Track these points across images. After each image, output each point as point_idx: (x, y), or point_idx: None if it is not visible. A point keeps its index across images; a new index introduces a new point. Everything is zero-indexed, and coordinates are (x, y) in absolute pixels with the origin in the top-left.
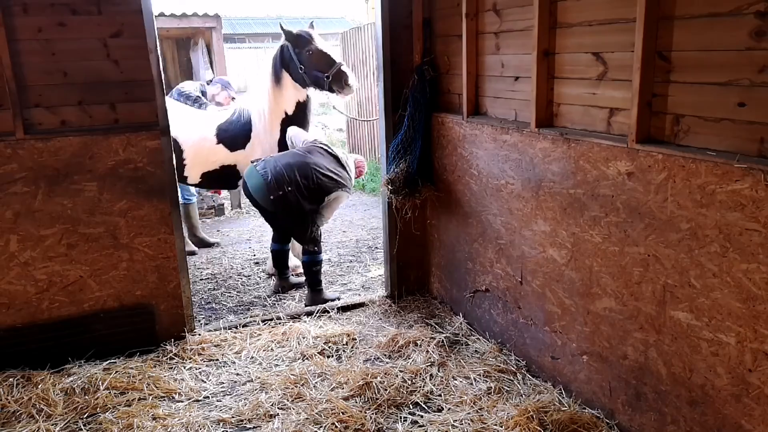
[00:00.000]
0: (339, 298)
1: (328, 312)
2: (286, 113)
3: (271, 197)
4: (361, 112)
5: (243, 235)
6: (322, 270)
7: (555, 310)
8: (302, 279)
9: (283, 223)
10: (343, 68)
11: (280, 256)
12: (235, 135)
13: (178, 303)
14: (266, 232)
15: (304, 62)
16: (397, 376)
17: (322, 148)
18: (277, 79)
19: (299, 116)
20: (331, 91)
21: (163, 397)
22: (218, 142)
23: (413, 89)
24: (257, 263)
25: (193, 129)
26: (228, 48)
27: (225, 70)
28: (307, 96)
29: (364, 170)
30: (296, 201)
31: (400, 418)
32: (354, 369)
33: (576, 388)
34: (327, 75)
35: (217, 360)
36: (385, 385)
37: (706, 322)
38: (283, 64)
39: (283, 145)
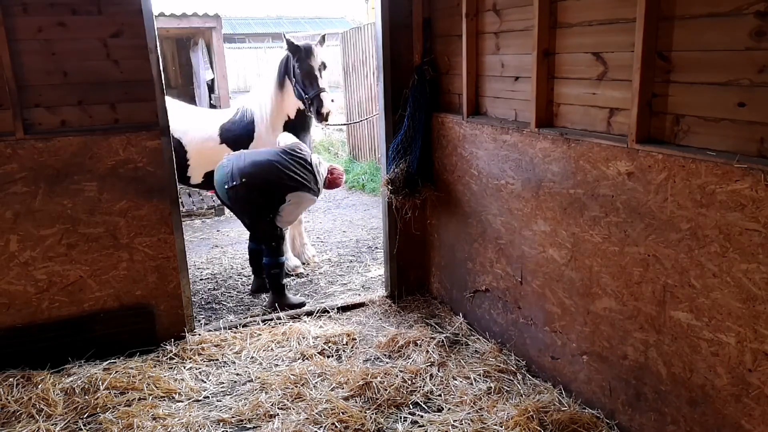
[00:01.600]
0: (305, 303)
1: (328, 312)
2: (288, 116)
3: (226, 186)
4: (361, 111)
5: (243, 235)
6: (323, 270)
7: (555, 310)
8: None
9: (239, 217)
10: (323, 95)
11: (253, 255)
12: (239, 135)
13: (178, 303)
14: None
15: (296, 76)
16: (397, 376)
17: (295, 151)
18: (280, 84)
19: (300, 121)
20: (311, 111)
21: (163, 397)
22: (222, 142)
23: (413, 89)
24: None
25: (196, 129)
26: (228, 48)
27: (225, 70)
28: None
29: (340, 181)
30: (248, 194)
31: (400, 418)
32: (354, 369)
33: (576, 388)
34: (308, 96)
35: (217, 360)
36: (385, 385)
37: (706, 322)
38: (286, 71)
39: None
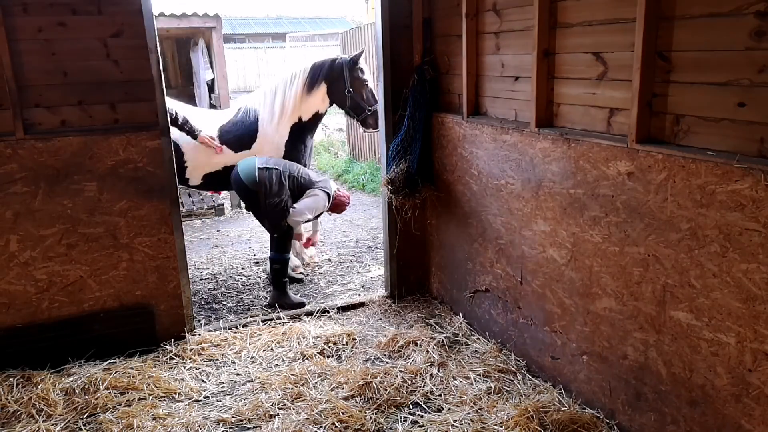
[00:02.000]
0: (305, 304)
1: (328, 312)
2: (300, 119)
3: (258, 165)
4: None
5: (243, 235)
6: (323, 270)
7: (555, 310)
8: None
9: (255, 202)
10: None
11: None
12: (240, 135)
13: (178, 303)
14: (266, 231)
15: (355, 88)
16: (397, 376)
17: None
18: (311, 86)
19: (310, 125)
20: (363, 122)
21: (163, 397)
22: (221, 144)
23: (413, 89)
24: (257, 263)
25: None
26: (228, 48)
27: (225, 70)
28: (326, 110)
29: (345, 203)
30: (279, 180)
31: (400, 418)
32: (354, 369)
33: (576, 388)
34: (370, 109)
35: (217, 360)
36: (385, 385)
37: (706, 322)
38: (328, 76)
39: (289, 146)
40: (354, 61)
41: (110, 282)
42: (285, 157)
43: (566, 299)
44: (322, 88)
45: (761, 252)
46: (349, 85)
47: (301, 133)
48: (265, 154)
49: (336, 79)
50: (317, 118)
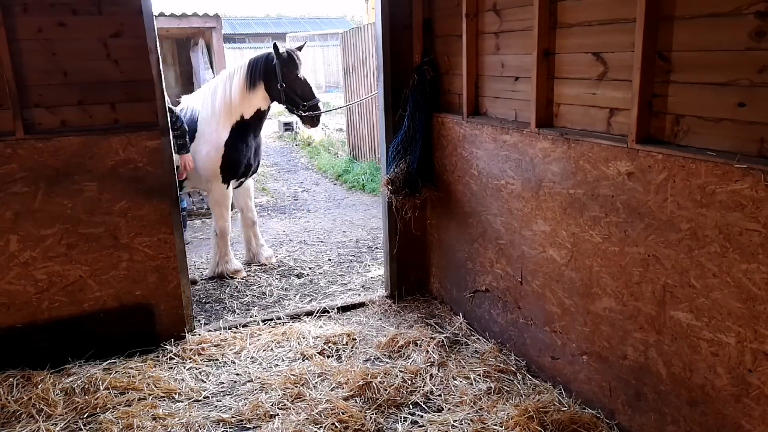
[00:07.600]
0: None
1: (328, 312)
2: (242, 117)
3: None
4: (361, 112)
5: (241, 235)
6: (323, 270)
7: (555, 310)
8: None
9: None
10: (319, 105)
11: None
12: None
13: (178, 303)
14: (266, 232)
15: (288, 83)
16: (397, 376)
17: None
18: (251, 84)
19: (254, 122)
20: (300, 116)
21: (163, 397)
22: None
23: (413, 89)
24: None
25: None
26: (228, 48)
27: None
28: (268, 107)
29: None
30: None
31: (400, 418)
32: (354, 369)
33: (576, 388)
34: (305, 103)
35: (217, 360)
36: (385, 385)
37: (706, 322)
38: (264, 73)
39: (228, 146)
40: (288, 55)
41: (110, 282)
42: (224, 156)
43: (566, 299)
44: (261, 86)
45: (761, 252)
46: (281, 79)
47: (243, 131)
48: (204, 153)
49: (271, 75)
50: (260, 115)
